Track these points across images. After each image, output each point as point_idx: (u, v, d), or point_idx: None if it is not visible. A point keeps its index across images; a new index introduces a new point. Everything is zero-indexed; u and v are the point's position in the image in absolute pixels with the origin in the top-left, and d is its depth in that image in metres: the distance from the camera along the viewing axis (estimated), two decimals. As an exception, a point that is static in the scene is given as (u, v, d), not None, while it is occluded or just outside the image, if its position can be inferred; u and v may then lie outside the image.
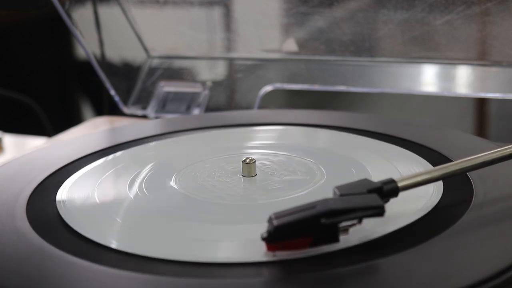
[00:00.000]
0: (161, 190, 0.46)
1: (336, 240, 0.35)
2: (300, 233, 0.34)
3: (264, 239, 0.34)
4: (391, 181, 0.38)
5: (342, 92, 0.75)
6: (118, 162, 0.52)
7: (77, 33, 0.72)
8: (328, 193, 0.37)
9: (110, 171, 0.50)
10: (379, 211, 0.35)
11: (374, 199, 0.36)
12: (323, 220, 0.34)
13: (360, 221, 0.35)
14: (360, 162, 0.48)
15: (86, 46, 0.73)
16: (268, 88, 0.73)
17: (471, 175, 0.43)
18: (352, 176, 0.46)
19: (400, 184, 0.38)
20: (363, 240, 0.36)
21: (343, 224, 0.35)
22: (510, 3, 0.63)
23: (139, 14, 0.78)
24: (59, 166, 0.51)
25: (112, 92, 0.75)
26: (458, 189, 0.42)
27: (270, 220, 0.35)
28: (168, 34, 0.81)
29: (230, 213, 0.41)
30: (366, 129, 0.56)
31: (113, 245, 0.37)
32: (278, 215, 0.34)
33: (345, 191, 0.36)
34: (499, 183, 0.42)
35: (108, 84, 0.75)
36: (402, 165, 0.47)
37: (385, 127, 0.56)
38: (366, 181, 0.38)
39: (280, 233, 0.34)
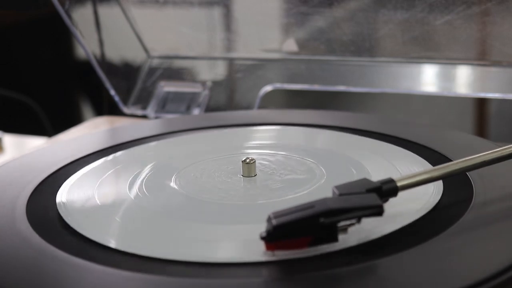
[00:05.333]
0: (161, 190, 0.46)
1: (335, 239, 0.35)
2: (299, 232, 0.34)
3: (263, 238, 0.34)
4: (390, 181, 0.38)
5: (342, 92, 0.75)
6: (118, 162, 0.52)
7: (77, 33, 0.72)
8: (328, 193, 0.37)
9: (110, 171, 0.50)
10: (377, 211, 0.35)
11: (373, 199, 0.36)
12: (322, 220, 0.34)
13: (359, 221, 0.35)
14: (360, 162, 0.48)
15: (86, 46, 0.73)
16: (268, 88, 0.73)
17: (471, 175, 0.43)
18: (352, 176, 0.46)
19: (399, 184, 0.38)
20: (363, 240, 0.36)
21: (342, 223, 0.35)
22: (510, 3, 0.63)
23: (139, 14, 0.78)
24: (59, 166, 0.51)
25: (112, 92, 0.75)
26: (458, 189, 0.42)
27: (269, 220, 0.35)
28: (168, 34, 0.81)
29: (230, 213, 0.41)
30: (366, 129, 0.56)
31: (113, 245, 0.37)
32: (277, 215, 0.34)
33: (344, 190, 0.36)
34: (499, 183, 0.42)
35: (108, 84, 0.75)
36: (402, 165, 0.47)
37: (385, 127, 0.56)
38: (365, 181, 0.38)
39: (279, 233, 0.34)
